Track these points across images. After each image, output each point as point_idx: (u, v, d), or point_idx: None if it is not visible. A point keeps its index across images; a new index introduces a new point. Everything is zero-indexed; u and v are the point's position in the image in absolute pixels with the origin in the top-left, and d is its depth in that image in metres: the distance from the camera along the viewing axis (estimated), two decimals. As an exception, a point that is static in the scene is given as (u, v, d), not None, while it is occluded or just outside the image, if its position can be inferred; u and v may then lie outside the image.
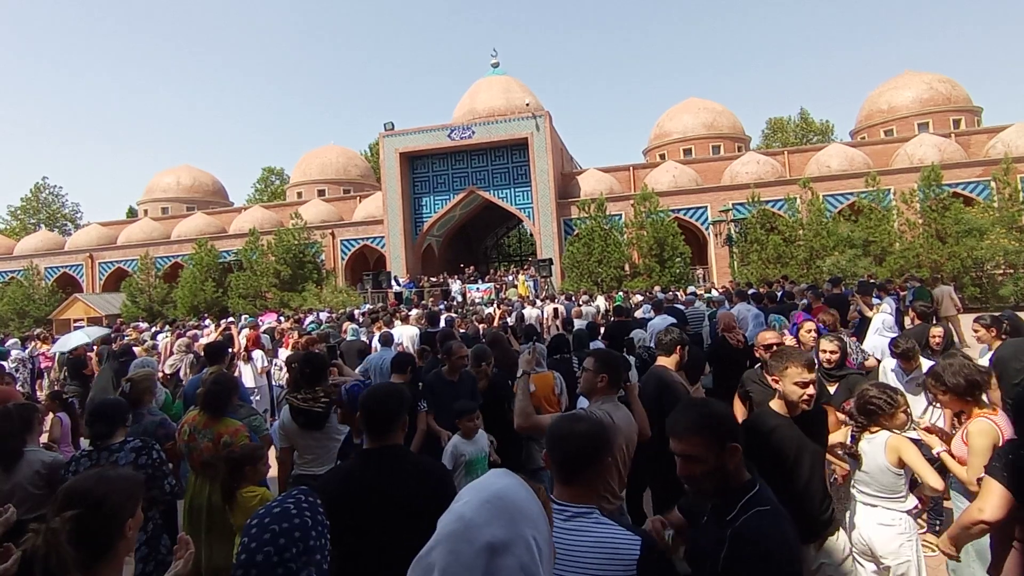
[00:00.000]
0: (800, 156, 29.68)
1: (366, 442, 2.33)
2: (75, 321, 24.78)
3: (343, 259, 29.18)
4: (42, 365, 12.51)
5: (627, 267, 23.06)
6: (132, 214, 45.21)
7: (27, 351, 12.11)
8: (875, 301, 8.61)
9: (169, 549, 3.09)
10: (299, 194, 38.06)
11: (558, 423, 1.82)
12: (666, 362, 3.86)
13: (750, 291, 12.58)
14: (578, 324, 8.93)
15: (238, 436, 3.54)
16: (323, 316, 15.57)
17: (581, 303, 13.88)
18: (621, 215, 25.22)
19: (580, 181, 28.42)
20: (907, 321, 9.61)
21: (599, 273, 22.27)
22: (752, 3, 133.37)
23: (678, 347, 3.83)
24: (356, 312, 15.26)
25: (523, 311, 13.10)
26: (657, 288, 18.39)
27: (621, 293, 18.97)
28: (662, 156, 34.57)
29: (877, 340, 6.09)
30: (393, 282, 23.79)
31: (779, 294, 11.18)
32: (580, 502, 1.70)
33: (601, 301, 15.28)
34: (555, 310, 12.58)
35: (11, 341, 13.73)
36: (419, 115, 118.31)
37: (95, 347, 10.34)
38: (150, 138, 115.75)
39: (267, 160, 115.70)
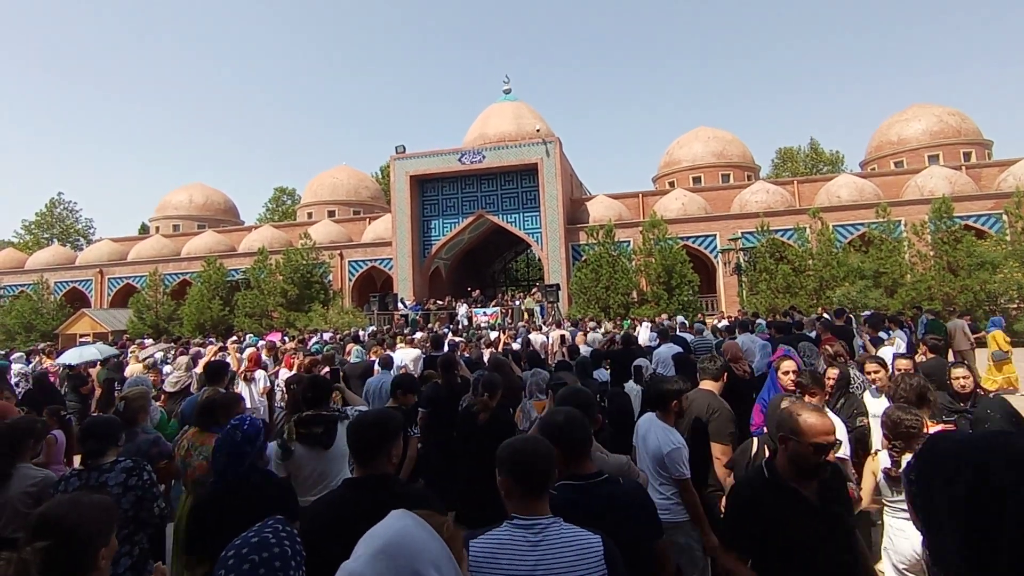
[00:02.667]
0: (810, 186, 29.69)
1: (354, 470, 2.30)
2: (81, 336, 24.91)
3: (351, 280, 29.30)
4: (52, 380, 12.51)
5: (635, 294, 22.95)
6: (144, 230, 45.83)
7: (31, 365, 12.13)
8: (883, 336, 8.45)
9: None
10: (309, 214, 38.49)
11: (518, 445, 1.93)
12: (711, 387, 3.98)
13: (760, 321, 12.45)
14: (583, 351, 8.82)
15: None
16: (326, 337, 15.54)
17: (588, 329, 13.76)
18: (630, 242, 25.23)
19: (589, 207, 28.54)
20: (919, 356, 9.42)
21: (606, 299, 22.17)
22: (763, 35, 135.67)
23: (725, 374, 3.82)
24: (362, 333, 15.22)
25: (529, 336, 13.00)
26: (664, 316, 18.24)
27: (629, 320, 18.83)
28: (671, 183, 34.74)
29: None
30: (400, 304, 23.80)
31: (788, 324, 11.02)
32: (545, 513, 1.83)
33: (608, 327, 15.15)
34: (561, 336, 12.46)
35: (16, 355, 13.77)
36: (430, 139, 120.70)
37: (96, 365, 10.34)
38: (165, 155, 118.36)
39: (279, 180, 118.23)
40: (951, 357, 10.07)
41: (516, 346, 11.60)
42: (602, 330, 14.37)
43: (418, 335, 14.58)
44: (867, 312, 13.42)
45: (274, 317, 25.24)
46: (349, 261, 29.51)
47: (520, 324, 16.79)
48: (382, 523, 1.15)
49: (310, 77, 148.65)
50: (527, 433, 2.97)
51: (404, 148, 28.22)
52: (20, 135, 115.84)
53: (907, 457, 3.01)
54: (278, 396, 8.73)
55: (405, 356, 8.96)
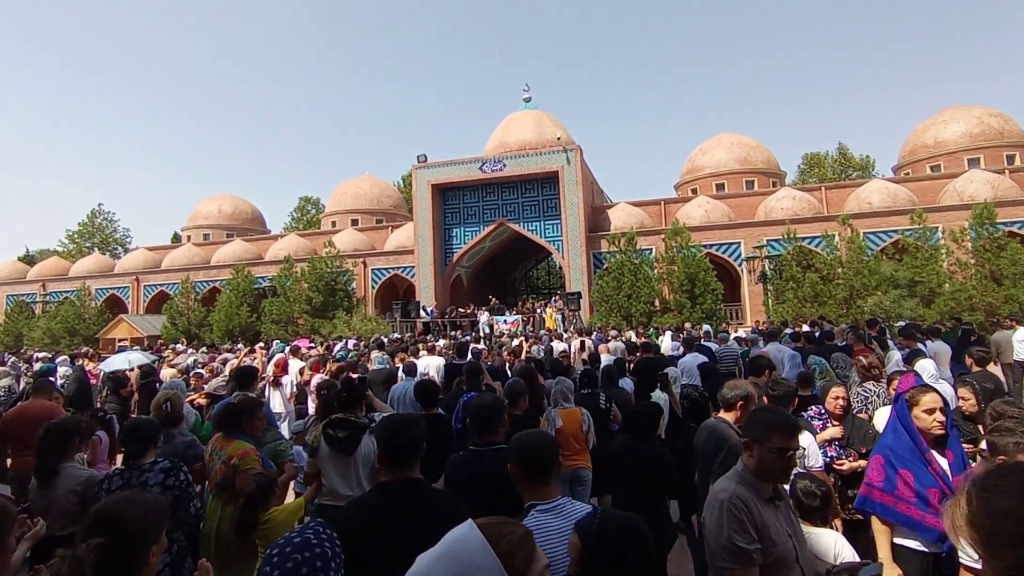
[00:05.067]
0: (838, 192, 29.11)
1: (383, 474, 2.33)
2: (120, 340, 25.74)
3: (374, 288, 29.63)
4: (92, 382, 12.93)
5: (657, 302, 22.72)
6: (176, 239, 47.19)
7: (74, 368, 12.56)
8: (921, 347, 8.18)
9: (192, 572, 3.08)
10: (333, 223, 39.11)
11: (524, 438, 2.28)
12: (727, 416, 3.69)
13: (788, 330, 12.19)
14: (605, 359, 8.74)
15: (246, 459, 3.54)
16: (351, 344, 15.72)
17: (609, 338, 13.66)
18: (651, 249, 25.02)
19: (610, 215, 28.43)
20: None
21: (628, 308, 21.98)
22: (787, 38, 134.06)
23: (740, 402, 3.61)
24: (384, 340, 15.35)
25: (551, 344, 12.96)
26: (688, 324, 18.01)
27: (653, 328, 18.64)
28: (694, 191, 34.41)
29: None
30: (422, 311, 23.97)
31: (818, 334, 10.77)
32: (557, 495, 2.19)
33: (630, 336, 15.02)
34: (582, 343, 12.39)
35: (61, 358, 14.26)
36: (451, 148, 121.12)
37: (135, 368, 10.64)
38: (196, 167, 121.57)
39: (304, 189, 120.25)
40: (997, 371, 9.67)
41: (536, 353, 11.54)
42: (624, 338, 14.25)
43: (440, 342, 14.66)
44: (902, 323, 13.03)
45: (300, 324, 25.64)
46: (372, 269, 29.87)
47: (543, 332, 16.74)
48: (452, 531, 1.24)
49: (334, 88, 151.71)
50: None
51: (426, 157, 28.53)
52: (64, 149, 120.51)
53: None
54: (308, 401, 8.83)
55: (428, 363, 9.01)
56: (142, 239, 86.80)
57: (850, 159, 50.29)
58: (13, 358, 15.85)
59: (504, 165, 27.00)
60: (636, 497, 3.86)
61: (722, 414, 3.65)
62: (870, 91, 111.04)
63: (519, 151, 27.98)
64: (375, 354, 10.63)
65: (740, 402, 3.58)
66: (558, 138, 28.35)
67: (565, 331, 17.59)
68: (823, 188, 29.89)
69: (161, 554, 1.63)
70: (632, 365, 7.41)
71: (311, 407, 8.45)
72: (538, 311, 23.64)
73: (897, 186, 26.72)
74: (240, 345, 18.33)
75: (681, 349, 10.27)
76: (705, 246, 24.69)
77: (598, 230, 27.12)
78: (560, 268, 29.60)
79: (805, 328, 13.18)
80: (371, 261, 30.00)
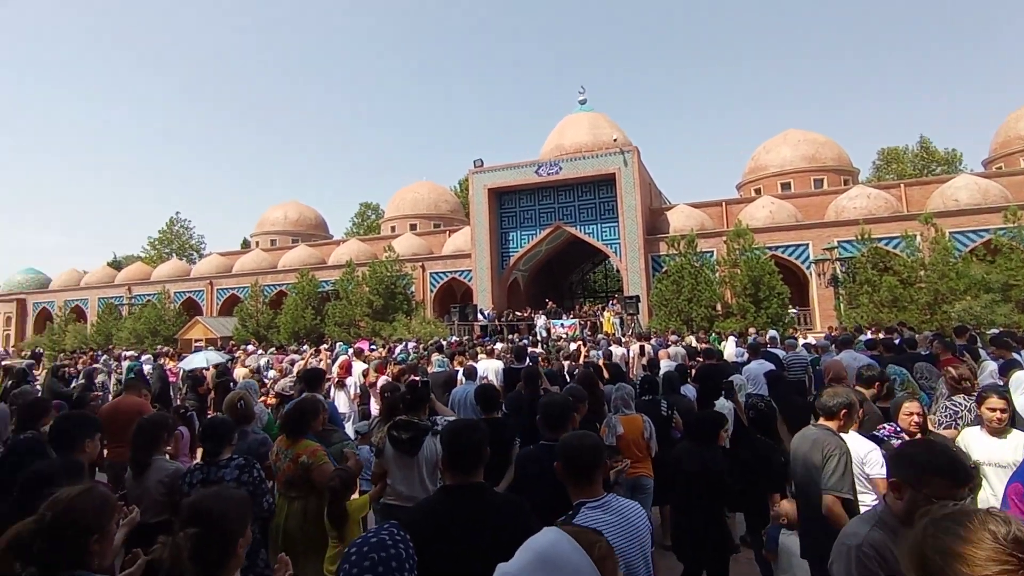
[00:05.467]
0: (920, 189, 27.16)
1: (447, 478, 2.38)
2: (196, 341, 27.44)
3: (432, 291, 30.23)
4: (170, 380, 13.93)
5: (719, 306, 21.94)
6: (246, 245, 49.94)
7: (154, 367, 13.56)
8: (1017, 357, 7.44)
9: (267, 563, 3.26)
10: (392, 228, 40.27)
11: (570, 440, 2.37)
12: (829, 424, 3.46)
13: (863, 337, 11.46)
14: (665, 365, 8.51)
15: (316, 456, 3.65)
16: (410, 346, 16.08)
17: (670, 343, 13.31)
18: (713, 252, 24.22)
19: (669, 217, 27.75)
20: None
21: (689, 312, 21.34)
22: (857, 29, 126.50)
23: (843, 411, 3.37)
24: (444, 343, 15.57)
25: (609, 349, 12.77)
26: (752, 330, 17.27)
27: (715, 334, 18.02)
28: (757, 191, 33.05)
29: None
30: (479, 315, 24.23)
31: (897, 341, 10.04)
32: (603, 493, 2.29)
33: (692, 341, 14.58)
34: (642, 348, 12.11)
35: (145, 357, 15.43)
36: (507, 152, 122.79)
37: (210, 367, 11.35)
38: (264, 176, 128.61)
39: (364, 195, 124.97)
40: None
41: (595, 358, 11.40)
42: (684, 344, 13.83)
43: (498, 346, 14.75)
44: (994, 330, 11.93)
45: (361, 326, 26.45)
46: (430, 273, 30.50)
47: (601, 336, 16.53)
48: (535, 536, 1.24)
49: (392, 95, 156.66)
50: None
51: (482, 161, 28.89)
52: (145, 161, 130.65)
53: None
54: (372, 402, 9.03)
55: (487, 367, 9.07)
56: (215, 245, 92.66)
57: (933, 153, 46.74)
58: (105, 356, 17.25)
59: (560, 168, 26.94)
60: (698, 505, 3.78)
61: (823, 422, 3.41)
62: (955, 80, 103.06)
63: (575, 154, 27.83)
64: (435, 357, 10.73)
65: (843, 411, 3.35)
66: (614, 140, 28.00)
67: (623, 335, 17.29)
68: (902, 185, 27.97)
69: (247, 547, 1.74)
70: (694, 371, 7.18)
71: (374, 408, 8.70)
72: (596, 315, 23.37)
73: (988, 181, 24.61)
74: (306, 347, 19.10)
75: (746, 355, 9.86)
76: (770, 248, 23.64)
77: (656, 232, 26.54)
78: (617, 271, 29.19)
79: (882, 335, 12.32)
80: (429, 265, 30.64)
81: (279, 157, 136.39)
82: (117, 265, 49.91)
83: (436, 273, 30.48)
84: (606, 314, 22.29)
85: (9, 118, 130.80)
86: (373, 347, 16.38)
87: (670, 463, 4.16)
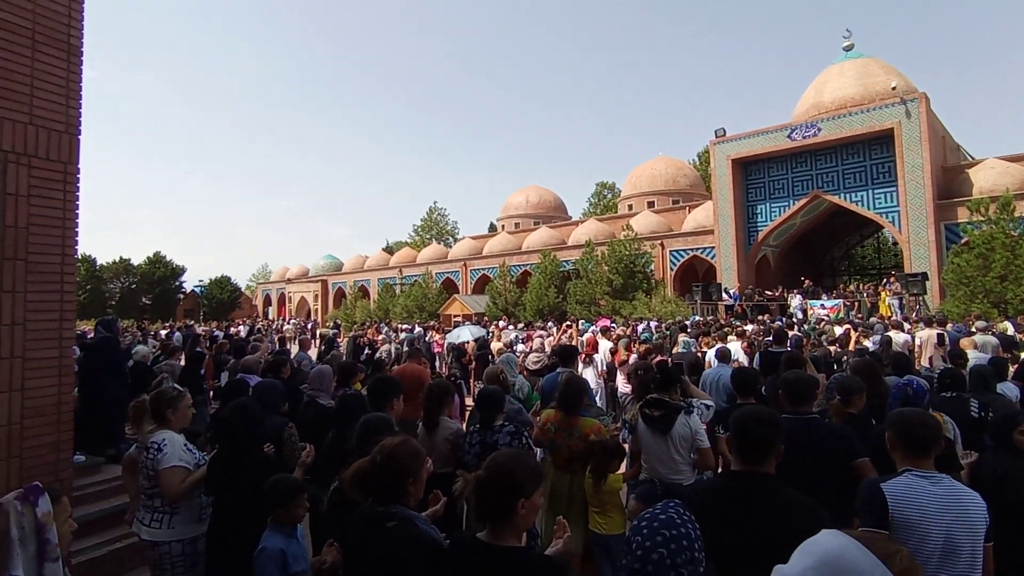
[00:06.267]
0: None
1: (734, 464, 2.36)
2: (455, 317, 31.25)
3: (671, 269, 30.05)
4: (435, 351, 15.93)
5: (1048, 285, 17.30)
6: (492, 229, 55.60)
7: (426, 337, 16.15)
8: None
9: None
10: (630, 206, 40.69)
11: (909, 415, 2.45)
12: None
13: None
14: (973, 357, 7.38)
15: (602, 433, 3.96)
16: (652, 325, 16.34)
17: (975, 330, 11.33)
18: (1040, 216, 19.05)
19: (972, 175, 22.55)
20: None
21: (1002, 292, 17.35)
22: None
23: None
24: (688, 323, 15.61)
25: (888, 335, 11.48)
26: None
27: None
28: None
29: None
30: (724, 294, 23.55)
31: None
32: (934, 470, 2.31)
33: (1008, 329, 12.12)
34: (940, 336, 10.53)
35: (417, 330, 18.40)
36: (752, 119, 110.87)
37: (471, 341, 13.23)
38: (507, 164, 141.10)
39: (600, 175, 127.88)
40: None
41: (870, 345, 10.48)
42: (995, 331, 11.56)
43: (749, 328, 14.38)
44: None
45: (601, 305, 27.54)
46: (670, 251, 30.32)
47: (874, 319, 14.79)
48: (815, 539, 1.11)
49: (625, 71, 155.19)
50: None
51: (724, 131, 27.46)
52: (408, 155, 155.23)
53: None
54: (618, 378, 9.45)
55: (738, 349, 8.95)
56: (467, 229, 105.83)
57: None
58: (387, 328, 21.56)
59: (819, 129, 24.11)
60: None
61: None
62: None
63: (838, 111, 24.49)
64: (681, 337, 10.67)
65: None
66: (893, 87, 23.67)
67: (905, 319, 15.14)
68: None
69: (531, 511, 1.86)
70: (1016, 367, 6.32)
71: (620, 384, 9.23)
72: (865, 294, 20.67)
73: None
74: (551, 323, 20.74)
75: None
76: None
77: (952, 196, 21.93)
78: (895, 244, 25.17)
79: None
80: (668, 243, 30.46)
81: (520, 145, 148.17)
82: (390, 250, 59.03)
83: (676, 251, 30.18)
84: (882, 294, 19.53)
85: (315, 142, 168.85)
86: (613, 325, 17.24)
87: (984, 476, 3.31)
